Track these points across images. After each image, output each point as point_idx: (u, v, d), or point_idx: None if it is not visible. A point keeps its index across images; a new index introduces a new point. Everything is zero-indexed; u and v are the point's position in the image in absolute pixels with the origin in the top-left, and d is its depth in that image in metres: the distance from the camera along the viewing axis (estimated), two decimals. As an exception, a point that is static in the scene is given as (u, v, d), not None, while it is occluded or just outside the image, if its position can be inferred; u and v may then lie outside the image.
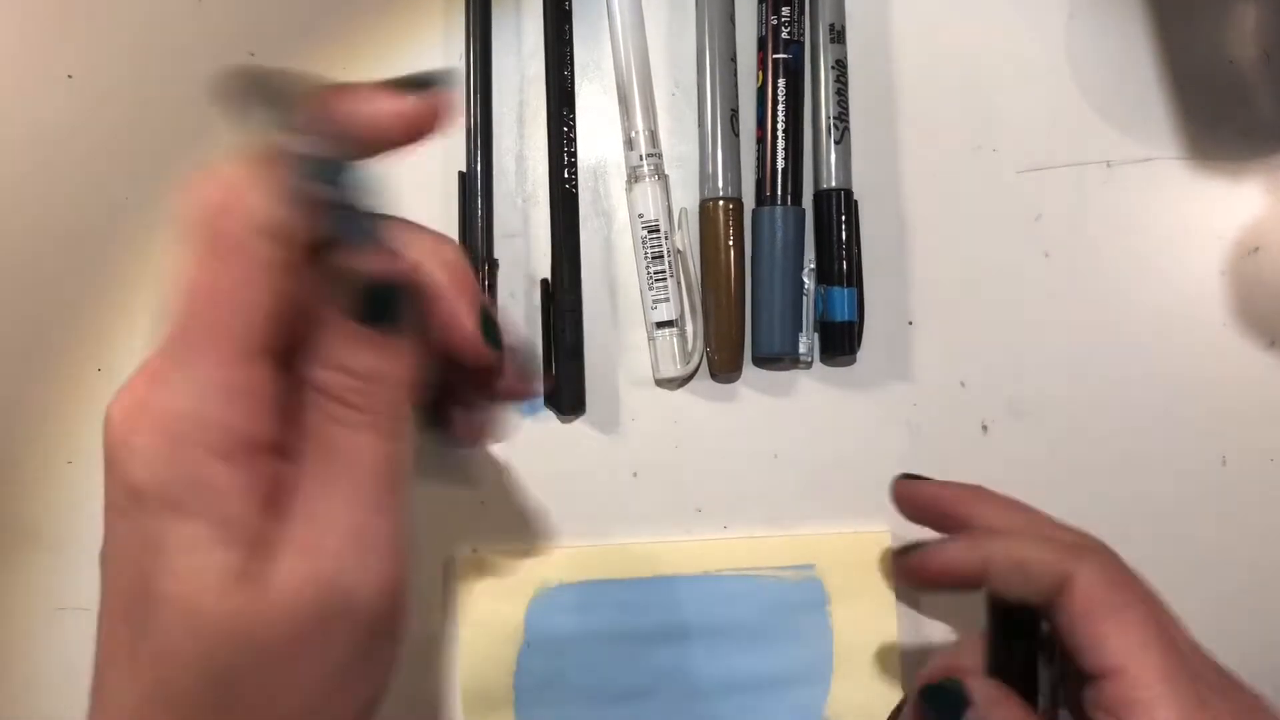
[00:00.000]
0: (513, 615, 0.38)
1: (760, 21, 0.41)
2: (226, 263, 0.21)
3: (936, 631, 0.40)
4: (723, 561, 0.39)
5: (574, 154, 0.39)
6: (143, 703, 0.21)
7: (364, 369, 0.21)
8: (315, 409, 0.22)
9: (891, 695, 0.39)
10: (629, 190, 0.40)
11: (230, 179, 0.21)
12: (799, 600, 0.39)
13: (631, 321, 0.40)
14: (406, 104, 0.22)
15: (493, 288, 0.39)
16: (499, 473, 0.40)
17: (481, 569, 0.39)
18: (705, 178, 0.40)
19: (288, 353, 0.22)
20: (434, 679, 0.39)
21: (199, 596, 0.20)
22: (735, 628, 0.39)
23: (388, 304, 0.22)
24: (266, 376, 0.21)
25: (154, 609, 0.21)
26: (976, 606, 0.30)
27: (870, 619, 0.39)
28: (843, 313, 0.40)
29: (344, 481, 0.22)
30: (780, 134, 0.40)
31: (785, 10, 0.40)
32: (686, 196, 0.41)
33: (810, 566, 0.39)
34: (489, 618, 0.38)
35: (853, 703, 0.39)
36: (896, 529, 0.40)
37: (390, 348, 0.22)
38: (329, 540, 0.21)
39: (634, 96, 0.40)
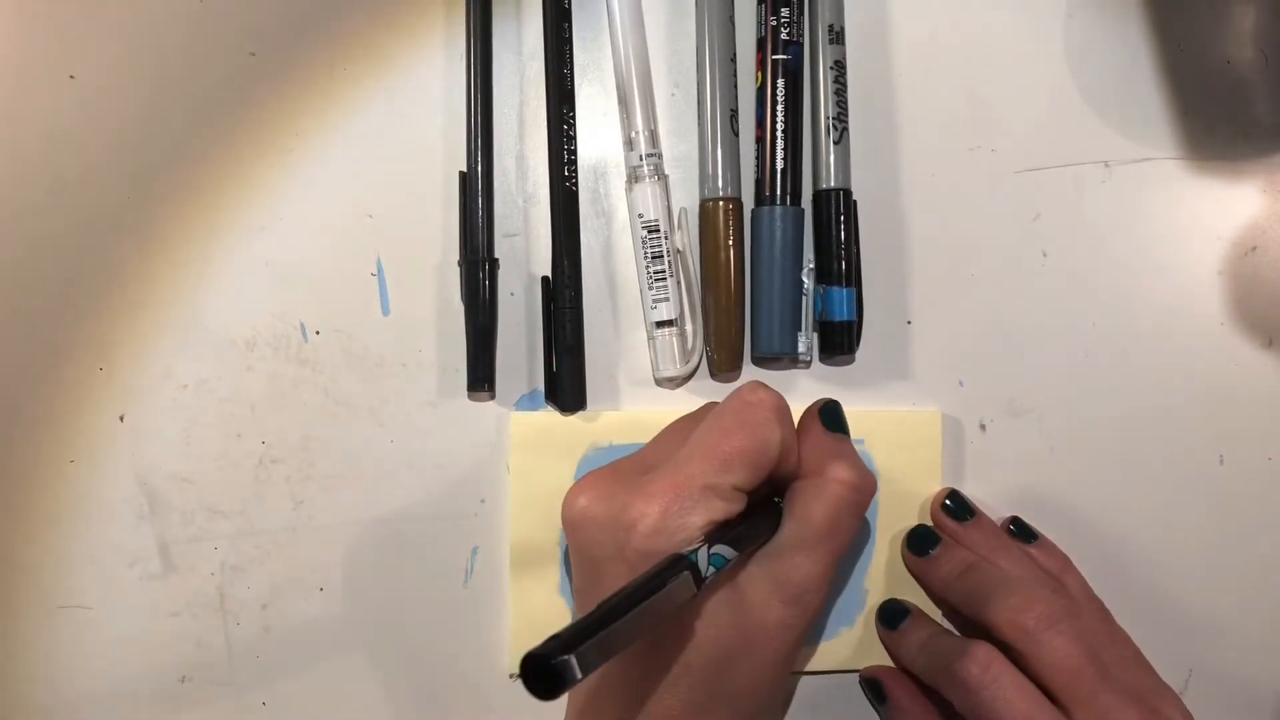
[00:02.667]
0: (563, 474, 0.39)
1: (760, 22, 0.41)
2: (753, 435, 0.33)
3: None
4: None
5: (574, 152, 0.39)
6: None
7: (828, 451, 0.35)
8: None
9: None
10: (629, 190, 0.40)
11: (772, 397, 0.34)
12: None
13: (631, 321, 0.40)
14: None
15: (493, 287, 0.39)
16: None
17: (534, 429, 0.39)
18: (705, 178, 0.40)
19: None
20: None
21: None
22: None
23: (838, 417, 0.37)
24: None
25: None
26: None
27: (915, 496, 0.40)
28: (842, 312, 0.40)
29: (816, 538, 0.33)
30: (779, 134, 0.40)
31: (784, 11, 0.40)
32: (686, 196, 0.41)
33: (860, 441, 0.40)
34: (539, 476, 0.39)
35: (892, 576, 0.40)
36: (947, 410, 0.41)
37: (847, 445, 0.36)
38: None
39: (634, 96, 0.40)
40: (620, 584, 0.28)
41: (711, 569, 0.30)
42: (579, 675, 0.24)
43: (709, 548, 0.30)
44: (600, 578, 0.32)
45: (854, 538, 0.35)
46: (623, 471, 0.34)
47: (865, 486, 0.35)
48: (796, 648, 0.34)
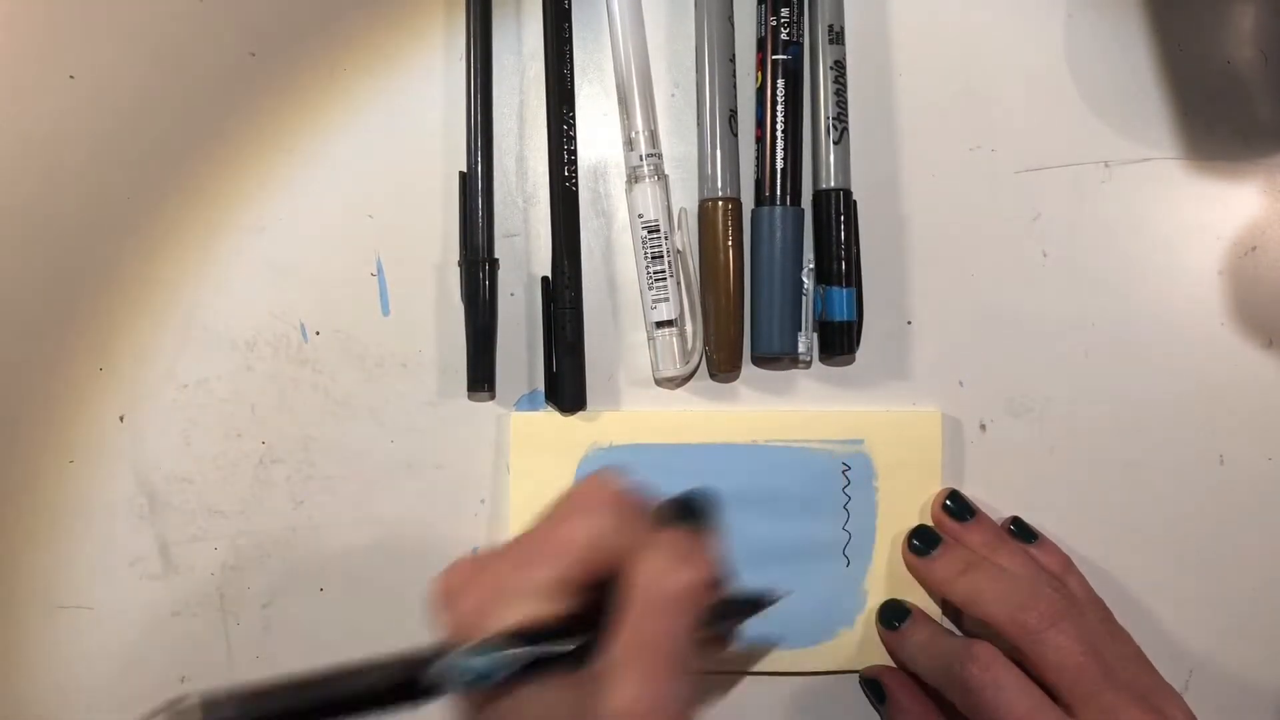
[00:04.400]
0: (563, 474, 0.39)
1: (759, 22, 0.41)
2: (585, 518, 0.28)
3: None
4: (773, 431, 0.40)
5: (574, 152, 0.39)
6: None
7: (678, 572, 0.27)
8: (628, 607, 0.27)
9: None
10: (629, 190, 0.40)
11: (612, 486, 0.29)
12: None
13: (631, 321, 0.40)
14: None
15: (493, 287, 0.39)
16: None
17: (534, 429, 0.39)
18: (705, 178, 0.40)
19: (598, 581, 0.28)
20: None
21: None
22: (780, 497, 0.39)
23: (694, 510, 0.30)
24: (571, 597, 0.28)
25: None
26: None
27: (916, 496, 0.40)
28: (842, 312, 0.40)
29: (646, 654, 0.26)
30: (779, 134, 0.40)
31: (784, 11, 0.40)
32: (686, 196, 0.41)
33: (860, 441, 0.40)
34: (539, 476, 0.39)
35: (892, 576, 0.40)
36: (947, 410, 0.41)
37: (695, 549, 0.28)
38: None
39: (634, 97, 0.40)
40: None
41: (501, 673, 0.26)
42: None
43: (506, 650, 0.26)
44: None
45: (690, 649, 0.27)
46: (499, 552, 0.29)
47: (706, 585, 0.28)
48: None
